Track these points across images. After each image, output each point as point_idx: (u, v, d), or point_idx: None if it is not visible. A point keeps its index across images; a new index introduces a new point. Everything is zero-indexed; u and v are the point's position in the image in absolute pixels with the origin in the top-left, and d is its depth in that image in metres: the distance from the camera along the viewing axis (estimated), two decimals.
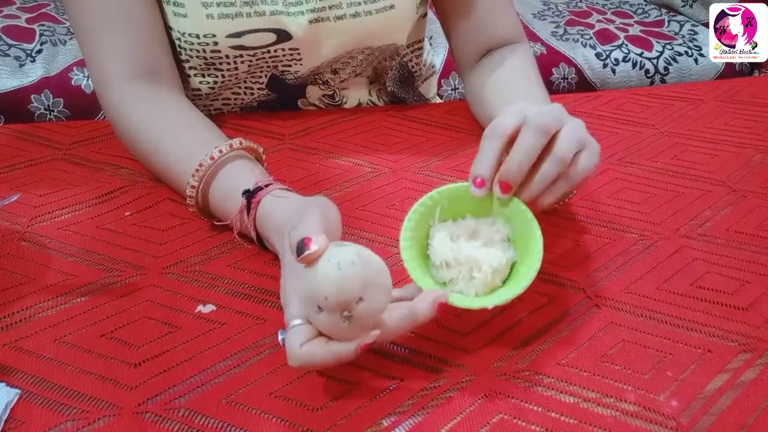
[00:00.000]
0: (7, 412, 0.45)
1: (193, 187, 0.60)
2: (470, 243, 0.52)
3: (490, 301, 0.49)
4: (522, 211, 0.52)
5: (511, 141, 0.51)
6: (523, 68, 0.76)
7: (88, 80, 1.50)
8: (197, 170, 0.60)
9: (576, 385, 0.48)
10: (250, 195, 0.56)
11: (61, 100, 1.49)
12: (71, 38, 1.64)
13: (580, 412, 0.46)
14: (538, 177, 0.51)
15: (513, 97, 0.70)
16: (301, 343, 0.43)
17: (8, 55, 1.54)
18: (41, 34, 1.62)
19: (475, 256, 0.50)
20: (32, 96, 1.48)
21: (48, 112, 1.49)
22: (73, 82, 1.50)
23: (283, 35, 0.73)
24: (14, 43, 1.58)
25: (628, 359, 0.50)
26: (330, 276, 0.42)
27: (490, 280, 0.50)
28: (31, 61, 1.53)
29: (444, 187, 0.53)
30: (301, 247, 0.43)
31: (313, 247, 0.43)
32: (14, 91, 1.48)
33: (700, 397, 0.47)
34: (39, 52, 1.57)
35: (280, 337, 0.46)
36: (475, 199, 0.52)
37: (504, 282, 0.52)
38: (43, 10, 1.75)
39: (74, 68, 1.52)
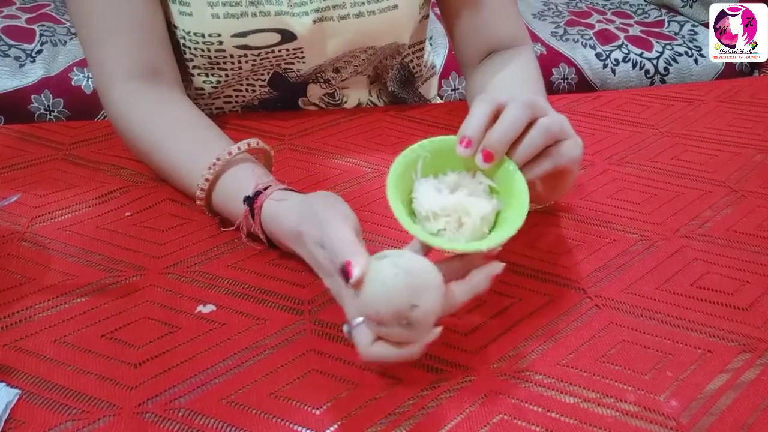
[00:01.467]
0: (7, 412, 0.45)
1: (207, 180, 0.60)
2: (455, 194, 0.52)
3: (484, 244, 0.48)
4: (504, 161, 0.52)
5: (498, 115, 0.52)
6: (523, 73, 0.76)
7: (88, 80, 1.50)
8: (214, 164, 0.60)
9: (576, 386, 0.48)
10: (251, 201, 0.57)
11: (61, 100, 1.49)
12: (71, 38, 1.64)
13: (580, 412, 0.46)
14: (524, 144, 0.52)
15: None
16: (370, 342, 0.45)
17: (8, 56, 1.54)
18: (41, 35, 1.62)
19: (463, 203, 0.50)
20: (32, 96, 1.48)
21: (48, 112, 1.49)
22: (73, 83, 1.50)
23: (287, 35, 0.73)
24: (14, 43, 1.58)
25: (628, 359, 0.50)
26: (377, 295, 0.43)
27: (479, 226, 0.50)
28: (31, 62, 1.53)
29: (425, 140, 0.53)
30: (345, 273, 0.44)
31: (356, 272, 0.44)
32: (14, 92, 1.48)
33: (700, 397, 0.47)
34: (39, 52, 1.57)
35: (345, 329, 0.47)
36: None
37: (490, 231, 0.52)
38: (43, 11, 1.75)
39: (74, 68, 1.52)
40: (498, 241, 0.48)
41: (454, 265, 0.48)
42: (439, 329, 0.45)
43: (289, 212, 0.55)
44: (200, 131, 0.66)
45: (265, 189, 0.57)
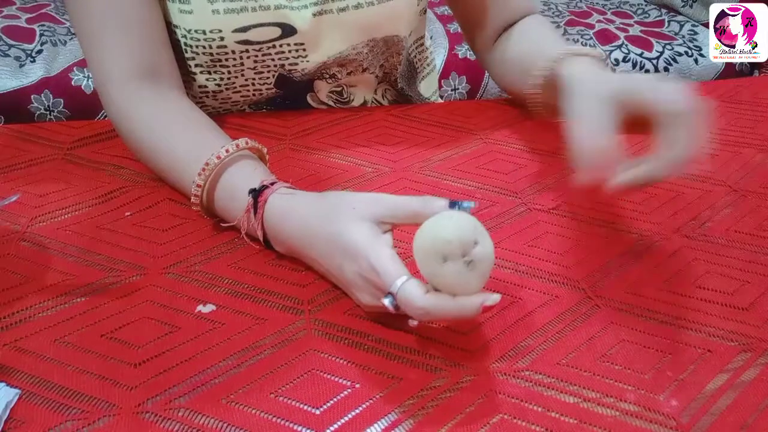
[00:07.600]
0: (7, 412, 0.45)
1: (198, 186, 0.60)
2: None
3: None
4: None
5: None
6: (541, 24, 0.82)
7: (88, 80, 1.50)
8: (204, 169, 0.60)
9: (576, 385, 0.48)
10: (256, 194, 0.57)
11: (61, 100, 1.49)
12: (71, 38, 1.64)
13: (580, 412, 0.46)
14: None
15: (545, 42, 0.75)
16: (424, 292, 0.45)
17: (8, 56, 1.54)
18: (41, 35, 1.62)
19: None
20: (32, 96, 1.48)
21: (48, 112, 1.49)
22: (73, 83, 1.50)
23: (287, 29, 0.73)
24: (14, 43, 1.58)
25: (628, 359, 0.50)
26: (447, 224, 0.45)
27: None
28: (31, 62, 1.53)
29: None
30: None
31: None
32: (14, 92, 1.48)
33: (700, 397, 0.47)
34: (39, 52, 1.57)
35: (386, 301, 0.46)
36: None
37: None
38: (43, 11, 1.76)
39: (74, 68, 1.52)
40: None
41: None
42: (498, 296, 0.45)
43: (299, 213, 0.55)
44: (199, 132, 0.66)
45: (272, 184, 0.57)
